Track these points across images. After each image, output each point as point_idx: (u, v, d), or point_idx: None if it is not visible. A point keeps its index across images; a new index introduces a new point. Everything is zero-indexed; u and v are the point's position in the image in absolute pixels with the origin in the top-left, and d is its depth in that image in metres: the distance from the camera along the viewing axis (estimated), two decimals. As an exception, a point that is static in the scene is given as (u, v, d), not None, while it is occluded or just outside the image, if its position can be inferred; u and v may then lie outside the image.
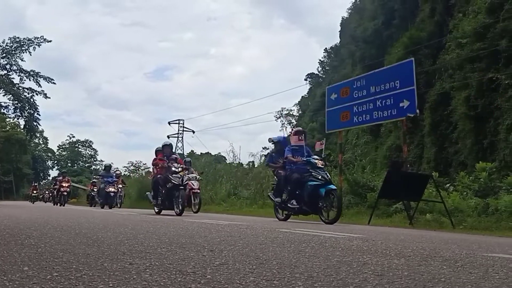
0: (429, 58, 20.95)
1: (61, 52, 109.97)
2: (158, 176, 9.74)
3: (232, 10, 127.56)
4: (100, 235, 3.30)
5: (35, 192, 31.47)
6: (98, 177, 18.54)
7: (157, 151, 10.37)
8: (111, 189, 15.63)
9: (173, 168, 9.13)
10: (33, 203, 26.39)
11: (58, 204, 19.47)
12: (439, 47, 20.58)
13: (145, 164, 31.18)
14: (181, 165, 9.62)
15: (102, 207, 15.58)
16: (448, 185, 10.62)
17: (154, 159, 10.36)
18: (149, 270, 1.81)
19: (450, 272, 1.96)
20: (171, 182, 8.99)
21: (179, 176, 9.09)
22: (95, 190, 18.56)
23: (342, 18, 47.77)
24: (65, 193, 19.46)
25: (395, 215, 8.98)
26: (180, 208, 8.67)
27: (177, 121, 50.06)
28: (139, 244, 2.77)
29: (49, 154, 79.76)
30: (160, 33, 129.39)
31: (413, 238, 4.13)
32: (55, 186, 21.68)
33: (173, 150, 10.31)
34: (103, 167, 16.65)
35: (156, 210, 9.78)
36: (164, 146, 10.14)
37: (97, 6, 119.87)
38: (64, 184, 19.51)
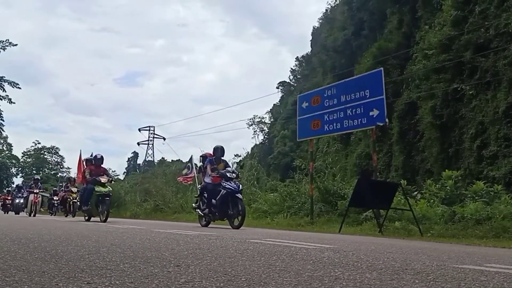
0: (397, 68, 21.48)
1: (27, 56, 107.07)
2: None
3: (204, 17, 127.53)
4: (60, 249, 3.11)
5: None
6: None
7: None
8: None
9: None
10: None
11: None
12: (406, 58, 21.14)
13: (114, 171, 30.53)
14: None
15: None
16: (415, 193, 10.80)
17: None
18: (108, 290, 1.69)
19: (422, 287, 1.92)
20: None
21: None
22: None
23: (313, 27, 48.48)
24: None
25: (365, 223, 9.05)
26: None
27: (148, 128, 49.41)
28: (100, 259, 2.62)
29: (13, 161, 76.74)
30: (130, 39, 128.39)
31: (383, 248, 4.12)
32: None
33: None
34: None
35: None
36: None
37: (65, 10, 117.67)
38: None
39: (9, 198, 23.65)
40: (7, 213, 22.26)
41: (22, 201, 16.70)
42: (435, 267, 2.66)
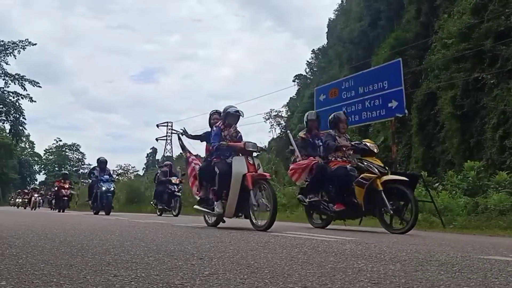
0: (415, 59, 21.12)
1: (47, 55, 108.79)
2: None
3: (219, 12, 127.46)
4: (85, 244, 3.18)
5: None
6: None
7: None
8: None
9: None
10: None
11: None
12: (425, 48, 20.76)
13: (134, 167, 30.93)
14: None
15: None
16: (437, 184, 10.63)
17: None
18: (134, 282, 1.72)
19: (448, 278, 1.90)
20: None
21: None
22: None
23: (329, 19, 47.94)
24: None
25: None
26: None
27: (165, 124, 49.83)
28: (125, 253, 2.67)
29: (36, 159, 78.53)
30: (145, 36, 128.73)
31: (406, 240, 4.08)
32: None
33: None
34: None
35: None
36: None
37: (83, 9, 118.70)
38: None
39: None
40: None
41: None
42: (459, 258, 2.63)
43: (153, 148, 70.67)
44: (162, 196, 12.52)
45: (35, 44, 33.78)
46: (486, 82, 15.33)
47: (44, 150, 79.17)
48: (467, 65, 16.28)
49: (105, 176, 13.33)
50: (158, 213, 12.76)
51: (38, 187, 33.12)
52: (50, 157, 78.84)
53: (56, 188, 18.01)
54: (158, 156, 64.66)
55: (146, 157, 74.49)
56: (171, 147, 51.65)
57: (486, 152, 15.05)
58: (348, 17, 37.78)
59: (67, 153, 79.76)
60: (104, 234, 4.08)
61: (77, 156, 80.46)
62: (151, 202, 13.74)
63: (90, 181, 15.23)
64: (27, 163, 75.15)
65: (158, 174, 13.33)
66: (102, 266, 2.12)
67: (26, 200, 27.70)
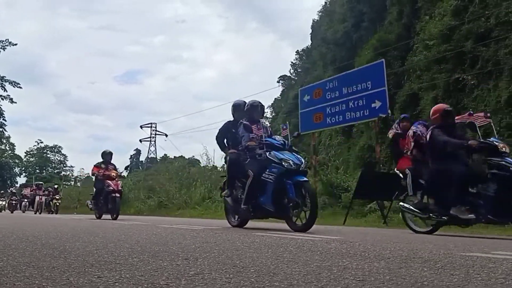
0: (397, 60, 21.36)
1: (30, 56, 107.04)
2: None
3: (204, 13, 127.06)
4: (68, 246, 3.13)
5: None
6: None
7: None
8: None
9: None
10: None
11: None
12: (407, 49, 21.02)
13: (118, 168, 30.58)
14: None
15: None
16: (419, 183, 10.79)
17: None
18: (118, 283, 1.70)
19: (431, 275, 1.93)
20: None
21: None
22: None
23: (313, 20, 48.20)
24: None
25: (369, 215, 9.07)
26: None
27: (149, 125, 49.47)
28: (109, 254, 2.63)
29: (17, 161, 77.00)
30: (130, 37, 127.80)
31: (389, 238, 4.13)
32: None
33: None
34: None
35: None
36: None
37: (67, 10, 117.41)
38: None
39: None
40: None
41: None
42: (442, 255, 2.67)
43: (136, 149, 70.12)
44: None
45: (16, 44, 33.19)
46: (466, 83, 15.62)
47: (25, 152, 77.78)
48: (448, 66, 16.56)
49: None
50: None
51: (15, 190, 32.81)
52: (31, 159, 77.44)
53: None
54: (142, 158, 64.19)
55: (129, 158, 73.87)
56: (155, 149, 51.33)
57: (467, 151, 15.33)
58: (332, 18, 38.03)
59: (48, 155, 78.44)
60: (87, 236, 4.03)
61: (58, 158, 79.23)
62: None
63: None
64: (7, 165, 73.62)
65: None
66: (86, 267, 2.09)
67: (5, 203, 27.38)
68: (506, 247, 3.44)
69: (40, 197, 20.19)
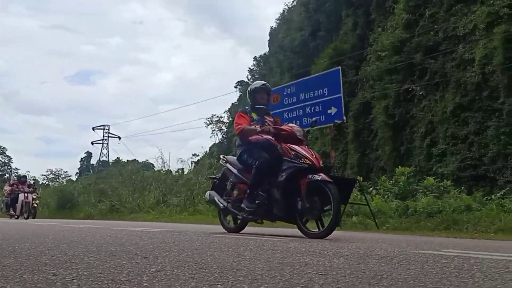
0: (352, 69, 22.08)
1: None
2: None
3: (163, 16, 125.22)
4: (17, 246, 2.96)
5: None
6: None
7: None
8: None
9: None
10: None
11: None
12: (361, 59, 21.79)
13: (66, 172, 29.36)
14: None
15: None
16: (371, 188, 11.16)
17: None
18: (76, 280, 1.63)
19: (389, 269, 2.00)
20: None
21: None
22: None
23: (271, 28, 48.88)
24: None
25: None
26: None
27: (102, 127, 47.93)
28: (62, 254, 2.51)
29: (-44, 162, 71.94)
30: (85, 37, 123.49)
31: (345, 239, 4.24)
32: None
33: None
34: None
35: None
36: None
37: (19, 8, 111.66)
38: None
39: None
40: None
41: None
42: (397, 253, 2.78)
43: (87, 152, 67.67)
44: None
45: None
46: (416, 94, 16.40)
47: (-34, 153, 72.82)
48: (399, 76, 17.32)
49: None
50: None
51: None
52: (-28, 160, 72.65)
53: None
54: (93, 161, 61.96)
55: (80, 161, 71.17)
56: (108, 151, 49.77)
57: (415, 159, 16.05)
58: (290, 26, 38.72)
59: (-9, 156, 73.90)
60: (36, 238, 3.83)
61: (2, 160, 74.87)
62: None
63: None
64: None
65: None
66: (39, 266, 1.98)
67: None
68: (455, 246, 3.63)
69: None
